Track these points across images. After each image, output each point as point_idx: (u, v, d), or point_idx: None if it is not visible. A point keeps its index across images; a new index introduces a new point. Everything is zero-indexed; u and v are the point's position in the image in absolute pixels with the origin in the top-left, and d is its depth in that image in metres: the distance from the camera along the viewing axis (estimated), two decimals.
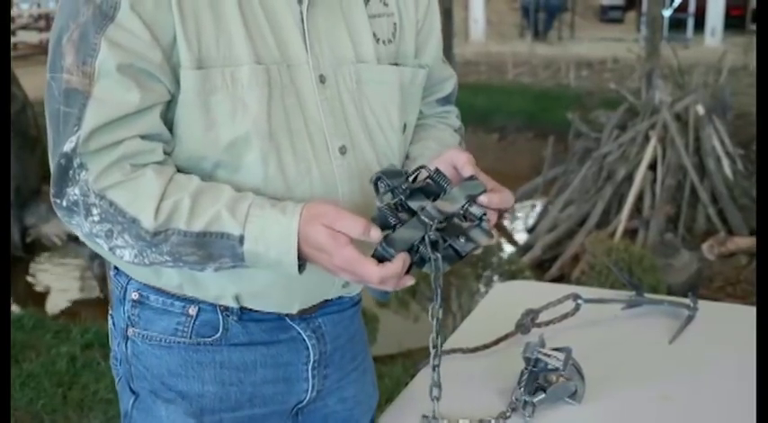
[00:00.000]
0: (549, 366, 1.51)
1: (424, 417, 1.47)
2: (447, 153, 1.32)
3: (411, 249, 1.17)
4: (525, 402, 1.49)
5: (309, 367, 1.41)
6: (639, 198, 5.81)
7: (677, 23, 15.64)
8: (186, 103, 1.20)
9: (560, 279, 5.01)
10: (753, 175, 5.99)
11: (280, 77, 1.24)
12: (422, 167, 1.24)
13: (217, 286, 1.31)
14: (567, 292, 1.86)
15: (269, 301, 1.35)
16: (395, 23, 1.40)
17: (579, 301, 1.82)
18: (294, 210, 1.18)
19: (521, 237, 6.49)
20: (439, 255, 1.17)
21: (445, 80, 1.57)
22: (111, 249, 1.20)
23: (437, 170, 1.22)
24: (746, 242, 5.20)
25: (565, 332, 1.76)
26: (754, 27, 14.26)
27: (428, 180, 1.22)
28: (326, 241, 1.15)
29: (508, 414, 1.50)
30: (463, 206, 1.19)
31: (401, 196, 1.19)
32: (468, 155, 1.29)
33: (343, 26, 1.33)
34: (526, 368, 1.52)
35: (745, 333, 1.67)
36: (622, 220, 5.60)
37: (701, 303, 1.90)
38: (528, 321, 1.77)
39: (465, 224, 1.19)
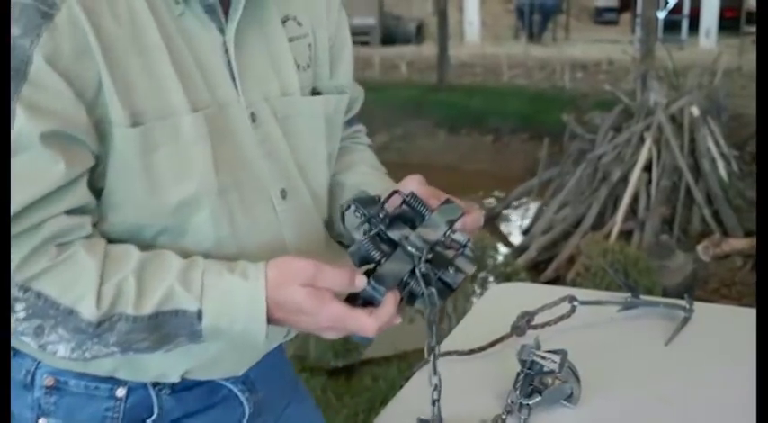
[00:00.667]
0: (545, 368, 1.50)
1: (420, 420, 1.46)
2: (404, 182, 1.24)
3: (399, 285, 1.10)
4: (521, 405, 1.49)
5: (245, 421, 1.32)
6: (635, 199, 5.82)
7: (672, 25, 15.66)
8: (124, 166, 1.05)
9: (556, 281, 5.02)
10: (747, 176, 5.99)
11: (216, 123, 1.12)
12: (395, 192, 1.16)
13: (161, 366, 1.18)
14: (562, 293, 1.86)
15: (218, 369, 1.25)
16: (309, 45, 1.30)
17: (575, 303, 1.81)
18: (257, 273, 1.06)
19: (516, 238, 6.49)
20: (433, 289, 1.10)
21: (356, 100, 1.49)
22: (41, 346, 1.02)
23: (412, 194, 1.15)
24: (741, 243, 5.21)
25: (560, 334, 1.75)
26: (748, 29, 14.30)
27: (403, 206, 1.15)
28: (309, 303, 1.05)
29: (504, 416, 1.49)
30: (446, 233, 1.12)
31: (380, 226, 1.10)
32: (432, 187, 1.22)
33: (266, 56, 1.22)
34: (522, 370, 1.51)
35: (742, 335, 1.67)
36: (617, 221, 5.61)
37: (697, 305, 1.89)
38: (523, 323, 1.76)
39: (450, 252, 1.13)
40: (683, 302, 1.88)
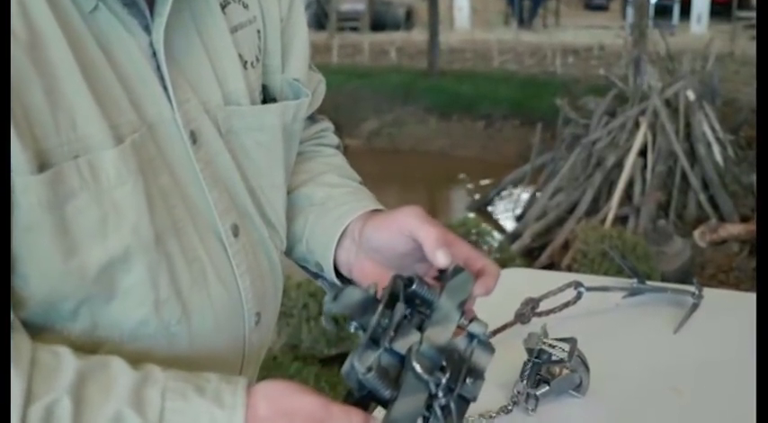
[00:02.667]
0: (554, 357, 1.45)
1: None
2: (399, 218, 1.00)
3: None
4: (528, 395, 1.44)
5: None
6: (630, 185, 5.78)
7: (662, 10, 15.63)
8: (32, 224, 0.80)
9: (550, 267, 4.99)
10: (743, 161, 5.97)
11: (147, 151, 0.89)
12: (397, 278, 0.92)
13: None
14: (564, 279, 1.81)
15: None
16: (259, 31, 1.07)
17: (581, 290, 1.76)
18: (235, 400, 0.83)
19: (509, 225, 6.45)
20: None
21: (315, 91, 1.21)
22: None
23: (419, 280, 0.92)
24: (738, 229, 5.18)
25: (565, 322, 1.70)
26: (739, 14, 14.28)
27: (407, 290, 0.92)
28: None
29: (510, 408, 1.44)
30: (460, 323, 0.93)
31: (386, 344, 0.86)
32: (435, 229, 0.96)
33: (204, 56, 0.99)
34: (529, 359, 1.46)
35: (752, 321, 1.62)
36: (613, 207, 5.58)
37: (705, 291, 1.84)
38: (528, 311, 1.71)
39: (461, 345, 0.93)
40: (691, 288, 1.83)
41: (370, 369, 0.84)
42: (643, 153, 5.93)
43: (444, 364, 0.88)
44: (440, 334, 0.90)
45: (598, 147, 6.17)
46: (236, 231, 0.98)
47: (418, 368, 0.85)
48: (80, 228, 0.83)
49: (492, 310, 1.80)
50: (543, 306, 1.74)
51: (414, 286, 0.91)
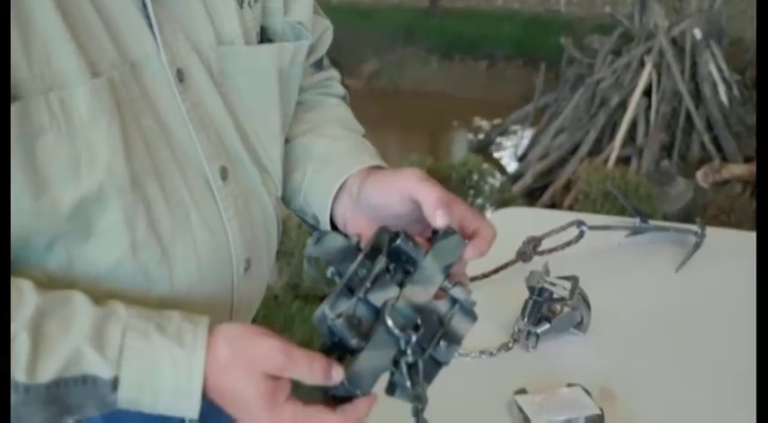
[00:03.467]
0: (555, 295, 1.45)
1: None
2: (400, 179, 0.96)
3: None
4: (529, 333, 1.44)
5: None
6: (633, 125, 5.74)
7: None
8: None
9: (552, 207, 4.97)
10: (748, 101, 5.91)
11: (127, 90, 0.86)
12: (382, 231, 0.89)
13: None
14: (566, 219, 1.80)
15: None
16: None
17: (583, 228, 1.75)
18: (195, 340, 0.82)
19: (511, 165, 6.43)
20: (423, 385, 0.87)
21: (321, 38, 1.17)
22: None
23: (405, 235, 0.89)
24: (741, 170, 5.15)
25: (567, 260, 1.69)
26: None
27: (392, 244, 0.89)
28: (260, 404, 0.82)
29: (510, 345, 1.45)
30: (443, 286, 0.90)
31: (361, 294, 0.85)
32: (436, 189, 0.93)
33: None
34: (530, 298, 1.46)
35: (753, 260, 1.61)
36: (615, 147, 5.54)
37: (708, 230, 1.83)
38: (530, 249, 1.70)
39: (442, 309, 0.90)
40: (694, 227, 1.83)
41: (339, 316, 0.83)
42: (647, 93, 5.87)
43: (419, 323, 0.86)
44: (419, 293, 0.88)
45: (602, 87, 6.10)
46: (224, 175, 0.95)
47: (390, 322, 0.84)
48: (51, 165, 0.81)
49: (493, 248, 1.80)
50: (545, 245, 1.73)
51: (398, 241, 0.89)
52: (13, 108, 0.78)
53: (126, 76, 0.86)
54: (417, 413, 0.88)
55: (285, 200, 1.13)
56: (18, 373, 0.77)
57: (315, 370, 0.83)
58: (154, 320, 0.83)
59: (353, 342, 0.83)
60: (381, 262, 0.87)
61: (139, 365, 0.81)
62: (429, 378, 0.88)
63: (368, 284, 0.85)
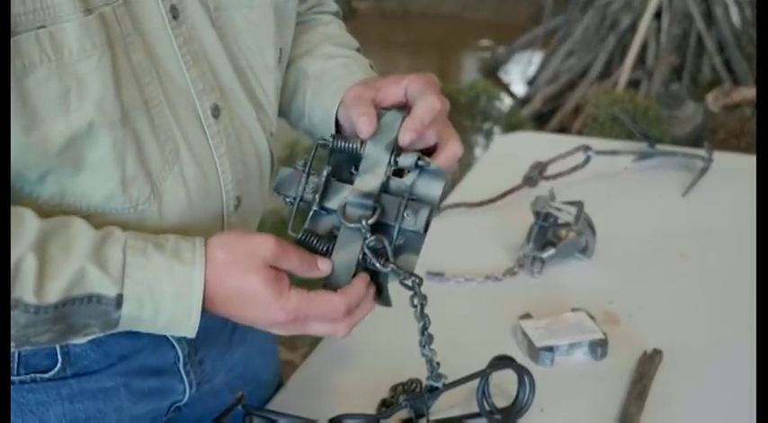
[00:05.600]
0: (560, 220, 1.45)
1: (429, 273, 1.42)
2: (350, 92, 0.99)
3: (364, 269, 0.91)
4: (534, 258, 1.45)
5: (181, 365, 1.04)
6: (643, 48, 5.66)
7: None
8: None
9: (561, 131, 4.94)
10: None
11: (119, 26, 0.85)
12: (319, 143, 0.94)
13: None
14: (574, 143, 1.80)
15: None
16: None
17: (589, 153, 1.74)
18: (194, 255, 0.85)
19: (520, 89, 6.37)
20: (390, 264, 0.89)
21: None
22: None
23: (335, 136, 0.94)
24: (752, 93, 5.09)
25: (574, 185, 1.69)
26: None
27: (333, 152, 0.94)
28: (268, 292, 0.85)
29: (515, 270, 1.46)
30: (390, 164, 0.92)
31: (315, 206, 0.91)
32: (360, 87, 0.96)
33: None
34: (535, 222, 1.46)
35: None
36: (625, 70, 5.47)
37: (716, 155, 1.82)
38: (536, 174, 1.70)
39: (403, 181, 0.92)
40: (701, 152, 1.82)
41: (303, 233, 0.90)
42: (658, 15, 5.78)
43: (375, 207, 0.90)
44: (368, 181, 0.91)
45: (612, 9, 6.00)
46: (216, 112, 0.95)
47: (341, 218, 0.89)
48: (41, 101, 0.81)
49: (498, 173, 1.80)
50: (551, 170, 1.73)
51: (332, 144, 0.93)
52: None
53: (119, 12, 0.85)
54: (413, 287, 0.92)
55: (294, 123, 1.14)
56: (27, 294, 0.79)
57: (304, 260, 0.88)
58: (151, 240, 0.85)
59: (322, 249, 0.90)
60: (325, 170, 0.92)
61: (142, 282, 0.83)
62: (415, 249, 0.91)
63: (316, 196, 0.91)
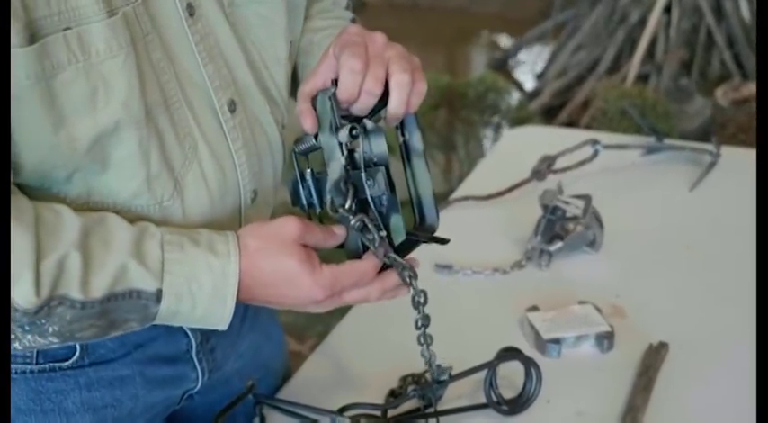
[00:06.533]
0: (568, 214, 1.46)
1: (437, 265, 1.43)
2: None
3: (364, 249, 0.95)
4: (542, 251, 1.46)
5: (194, 353, 1.07)
6: (652, 42, 5.65)
7: None
8: (20, 95, 0.79)
9: (569, 126, 4.94)
10: None
11: (139, 25, 0.86)
12: (294, 153, 0.99)
13: None
14: (582, 137, 1.80)
15: None
16: None
17: (598, 147, 1.75)
18: (228, 247, 0.88)
19: (528, 83, 6.37)
20: (376, 234, 0.92)
21: None
22: None
23: (295, 142, 0.98)
24: None
25: (582, 179, 1.70)
26: None
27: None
28: (304, 269, 0.89)
29: (523, 263, 1.46)
30: (341, 143, 0.92)
31: (318, 208, 0.98)
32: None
33: None
34: (543, 216, 1.47)
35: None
36: (634, 65, 5.46)
37: (723, 149, 1.83)
38: (544, 168, 1.71)
39: (358, 152, 0.94)
40: (709, 146, 1.82)
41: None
42: (668, 9, 5.77)
43: (348, 189, 0.92)
44: (334, 168, 0.93)
45: (621, 3, 5.99)
46: (232, 107, 0.96)
47: (330, 213, 0.94)
48: (68, 101, 0.82)
49: (506, 167, 1.81)
50: (560, 163, 1.74)
51: (296, 148, 0.98)
52: (33, 49, 0.78)
53: (139, 10, 0.86)
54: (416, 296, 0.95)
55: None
56: (73, 290, 0.81)
57: (324, 231, 0.93)
58: (186, 235, 0.88)
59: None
60: (307, 173, 0.98)
61: (180, 275, 0.85)
62: (395, 209, 0.93)
63: (314, 201, 0.97)
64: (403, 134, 0.95)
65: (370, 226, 0.91)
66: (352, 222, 0.92)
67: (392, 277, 0.95)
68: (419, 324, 0.97)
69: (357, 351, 1.29)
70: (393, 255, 0.93)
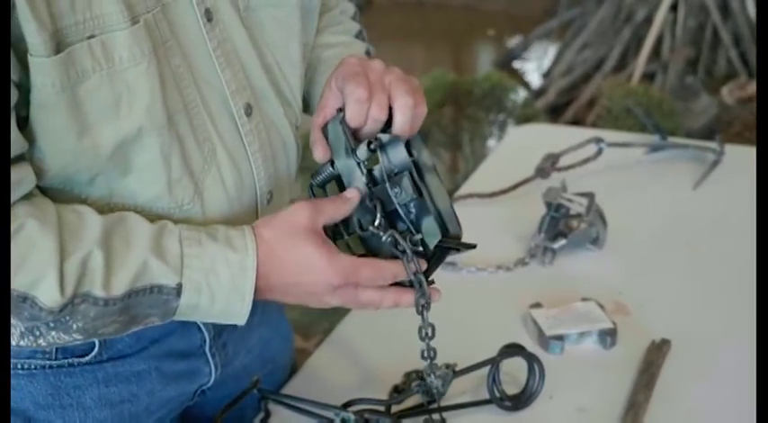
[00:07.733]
0: (571, 211, 1.46)
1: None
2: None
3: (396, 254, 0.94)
4: (545, 248, 1.46)
5: (207, 348, 1.08)
6: (659, 41, 5.65)
7: None
8: (45, 103, 0.81)
9: (575, 124, 4.94)
10: None
11: (159, 32, 0.87)
12: (311, 187, 1.01)
13: None
14: (586, 135, 1.81)
15: None
16: None
17: (601, 145, 1.76)
18: (245, 241, 0.89)
19: (534, 81, 6.37)
20: (408, 247, 0.92)
21: None
22: None
23: (312, 175, 0.99)
24: None
25: (586, 177, 1.71)
26: None
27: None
28: (320, 254, 0.90)
29: (527, 260, 1.47)
30: (358, 164, 0.94)
31: (346, 235, 0.97)
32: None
33: None
34: (547, 213, 1.48)
35: None
36: (640, 63, 5.46)
37: (727, 147, 1.83)
38: (548, 165, 1.71)
39: (378, 168, 0.94)
40: (713, 145, 1.83)
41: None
42: (674, 8, 5.76)
43: (377, 207, 0.93)
44: (358, 184, 0.95)
45: (628, 1, 5.98)
46: (248, 111, 0.97)
47: (361, 233, 0.94)
48: (93, 108, 0.83)
49: (510, 164, 1.82)
50: (564, 161, 1.74)
51: (313, 180, 0.98)
52: (59, 59, 0.80)
53: (158, 18, 0.87)
54: (417, 282, 0.94)
55: (305, 109, 1.15)
56: (96, 288, 0.83)
57: (335, 201, 0.94)
58: (203, 231, 0.90)
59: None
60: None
61: (199, 270, 0.87)
62: (426, 212, 0.92)
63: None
64: (411, 154, 0.94)
65: (400, 240, 0.92)
66: (384, 238, 0.92)
67: (410, 297, 0.95)
68: (424, 355, 0.99)
69: (361, 347, 1.30)
70: (421, 276, 0.93)
